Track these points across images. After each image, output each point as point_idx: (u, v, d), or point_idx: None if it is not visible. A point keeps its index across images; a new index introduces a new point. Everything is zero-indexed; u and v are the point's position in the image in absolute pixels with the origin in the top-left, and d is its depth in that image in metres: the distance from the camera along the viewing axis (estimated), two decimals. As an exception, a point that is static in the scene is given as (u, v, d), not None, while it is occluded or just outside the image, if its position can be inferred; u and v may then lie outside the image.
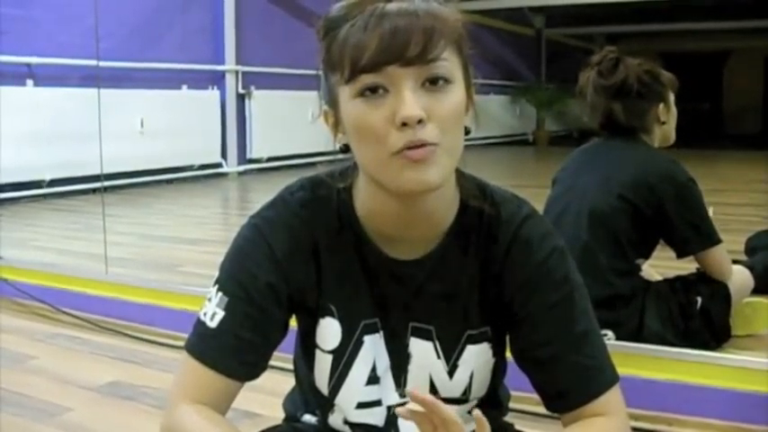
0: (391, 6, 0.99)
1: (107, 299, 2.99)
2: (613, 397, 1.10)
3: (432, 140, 0.98)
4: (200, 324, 1.11)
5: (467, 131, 1.07)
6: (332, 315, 1.14)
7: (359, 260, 1.13)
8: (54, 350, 2.68)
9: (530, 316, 1.11)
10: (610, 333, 2.34)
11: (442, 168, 1.00)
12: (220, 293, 1.10)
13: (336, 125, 1.07)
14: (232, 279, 1.11)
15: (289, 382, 1.34)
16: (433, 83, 0.99)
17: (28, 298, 3.10)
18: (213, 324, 1.09)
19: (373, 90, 0.98)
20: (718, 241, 2.48)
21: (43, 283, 3.16)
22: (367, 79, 0.98)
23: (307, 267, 1.13)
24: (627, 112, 2.47)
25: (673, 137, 2.60)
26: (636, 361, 2.11)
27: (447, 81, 1.00)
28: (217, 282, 1.12)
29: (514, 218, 1.12)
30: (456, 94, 1.01)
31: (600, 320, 2.31)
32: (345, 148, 1.07)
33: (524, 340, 1.12)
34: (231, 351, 1.09)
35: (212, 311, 1.10)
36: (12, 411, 2.14)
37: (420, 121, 0.97)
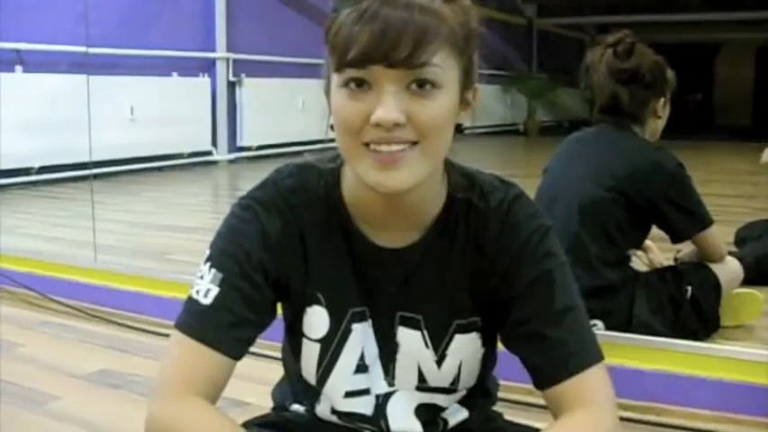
0: None
1: (96, 286, 2.98)
2: (596, 377, 1.06)
3: (408, 139, 0.97)
4: (192, 302, 1.08)
5: (459, 129, 1.06)
6: (319, 303, 1.13)
7: (346, 248, 1.12)
8: (42, 338, 2.67)
9: (514, 296, 1.09)
10: (599, 323, 2.35)
11: (415, 170, 0.99)
12: (213, 270, 1.07)
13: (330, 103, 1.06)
14: (226, 255, 1.08)
15: (277, 370, 1.33)
16: (420, 86, 0.96)
17: (16, 285, 3.09)
18: (207, 301, 1.06)
19: (357, 83, 0.97)
20: (710, 222, 2.49)
21: (32, 271, 3.15)
22: (352, 73, 0.96)
23: (295, 253, 1.11)
24: (632, 99, 2.46)
25: (659, 133, 2.61)
26: (625, 351, 2.11)
27: (435, 86, 0.97)
28: (209, 259, 1.09)
29: (502, 204, 1.11)
30: (443, 99, 0.98)
31: (589, 310, 2.31)
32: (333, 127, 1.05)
33: (510, 320, 1.10)
34: (229, 327, 1.06)
35: (206, 288, 1.07)
36: (1, 399, 2.13)
37: (397, 125, 0.96)
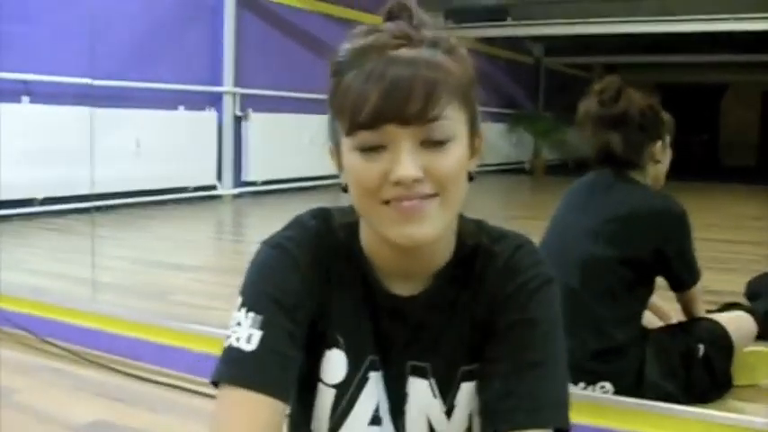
0: (395, 55, 0.96)
1: (93, 330, 2.92)
2: None
3: (427, 193, 0.98)
4: (233, 352, 1.02)
5: (470, 177, 1.05)
6: (339, 346, 1.11)
7: (364, 294, 1.11)
8: (37, 384, 2.60)
9: (494, 334, 1.06)
10: (608, 385, 2.28)
11: (436, 221, 1.00)
12: (252, 313, 1.03)
13: (339, 164, 1.06)
14: (262, 295, 1.05)
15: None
16: (435, 141, 0.97)
17: (13, 326, 3.03)
18: (251, 347, 1.01)
19: (372, 147, 0.97)
20: (699, 275, 2.46)
21: (28, 312, 3.09)
22: (365, 136, 0.97)
23: (322, 291, 1.09)
24: (625, 144, 2.40)
25: (663, 179, 2.54)
26: (637, 417, 2.05)
27: (447, 140, 0.98)
28: (243, 305, 1.05)
29: (507, 249, 1.10)
30: (457, 150, 1.00)
31: (597, 373, 2.29)
32: (346, 188, 1.05)
33: (483, 357, 1.07)
34: (280, 370, 1.01)
35: (247, 334, 1.02)
36: (-11, 451, 2.07)
37: (416, 180, 0.97)
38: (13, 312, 3.08)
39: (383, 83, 0.94)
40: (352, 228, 1.13)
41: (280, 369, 1.02)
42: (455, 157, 0.99)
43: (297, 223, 1.13)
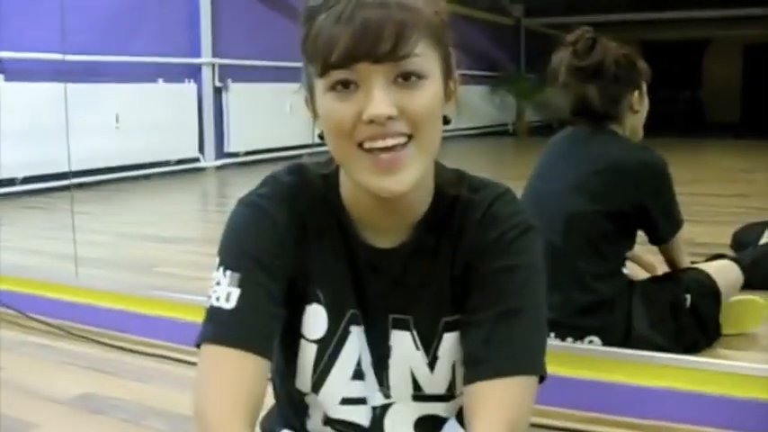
0: None
1: (78, 304, 2.89)
2: (520, 387, 1.01)
3: (402, 131, 0.97)
4: (214, 311, 1.03)
5: (446, 121, 1.05)
6: (318, 302, 1.10)
7: (344, 248, 1.11)
8: (22, 360, 2.58)
9: (475, 283, 1.06)
10: (596, 339, 2.27)
11: (413, 169, 0.99)
12: (229, 272, 1.04)
13: (315, 112, 1.05)
14: (240, 254, 1.05)
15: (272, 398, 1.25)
16: (406, 78, 0.97)
17: (-4, 304, 2.99)
18: (230, 305, 1.02)
19: (345, 85, 0.97)
20: (681, 224, 2.43)
21: (12, 288, 3.05)
22: (338, 75, 0.97)
23: (300, 247, 1.09)
24: (602, 97, 2.36)
25: (641, 131, 2.50)
26: (626, 368, 2.04)
27: (420, 77, 0.98)
28: (221, 264, 1.05)
29: (486, 198, 1.09)
30: (430, 88, 0.99)
31: (586, 327, 2.28)
32: (323, 135, 1.04)
33: (464, 307, 1.07)
34: (260, 326, 1.03)
35: (225, 292, 1.03)
36: (-24, 428, 2.05)
37: (390, 118, 0.96)
38: (-3, 290, 3.05)
39: (353, 24, 0.94)
40: (330, 180, 1.11)
41: (260, 325, 1.03)
42: (429, 95, 0.98)
43: (271, 179, 1.11)
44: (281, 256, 1.06)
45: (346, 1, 0.95)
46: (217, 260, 1.07)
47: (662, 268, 2.64)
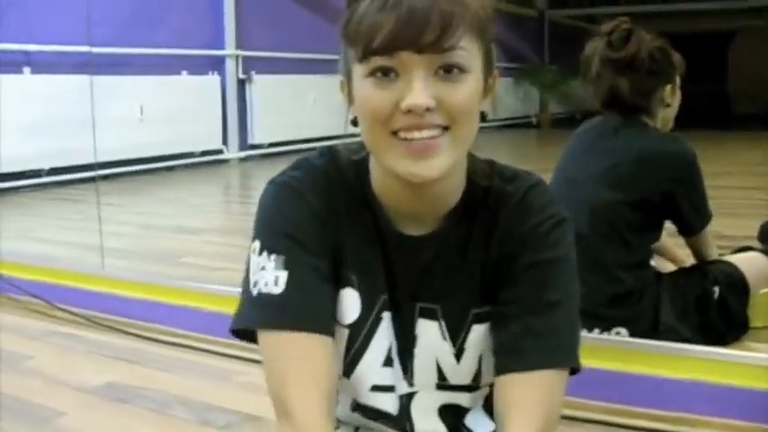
0: None
1: (104, 294, 2.91)
2: (553, 381, 1.01)
3: (439, 124, 0.96)
4: (263, 297, 1.01)
5: (483, 116, 1.04)
6: (352, 286, 1.09)
7: (376, 234, 1.09)
8: (50, 349, 2.60)
9: (509, 276, 1.06)
10: (623, 330, 2.26)
11: (446, 158, 0.98)
12: (273, 255, 1.02)
13: (350, 97, 1.03)
14: (279, 235, 1.04)
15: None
16: (447, 71, 0.95)
17: (23, 294, 3.02)
18: (280, 288, 1.01)
19: (385, 72, 0.96)
20: (710, 217, 2.40)
21: (39, 279, 3.08)
22: (379, 61, 0.95)
23: (335, 229, 1.07)
24: (633, 89, 2.33)
25: (672, 122, 2.48)
26: (653, 359, 2.02)
27: (462, 70, 0.96)
28: (263, 248, 1.03)
29: (519, 189, 1.08)
30: (470, 83, 0.97)
31: (612, 318, 2.26)
32: (356, 121, 1.03)
33: (499, 300, 1.06)
34: (316, 306, 1.02)
35: (273, 277, 1.01)
36: (4, 417, 2.06)
37: (428, 109, 0.95)
38: (24, 280, 3.07)
39: (399, 11, 0.92)
40: (361, 166, 1.11)
41: (315, 305, 1.02)
42: (468, 90, 0.97)
43: (304, 162, 1.10)
44: (320, 235, 1.05)
45: None
46: (255, 244, 1.05)
47: (690, 261, 2.62)
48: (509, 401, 1.01)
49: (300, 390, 0.98)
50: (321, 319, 1.02)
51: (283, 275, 1.01)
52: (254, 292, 1.02)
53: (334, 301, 1.06)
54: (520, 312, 1.03)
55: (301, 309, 1.01)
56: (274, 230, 1.04)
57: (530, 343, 1.02)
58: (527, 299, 1.04)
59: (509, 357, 1.03)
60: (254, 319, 1.03)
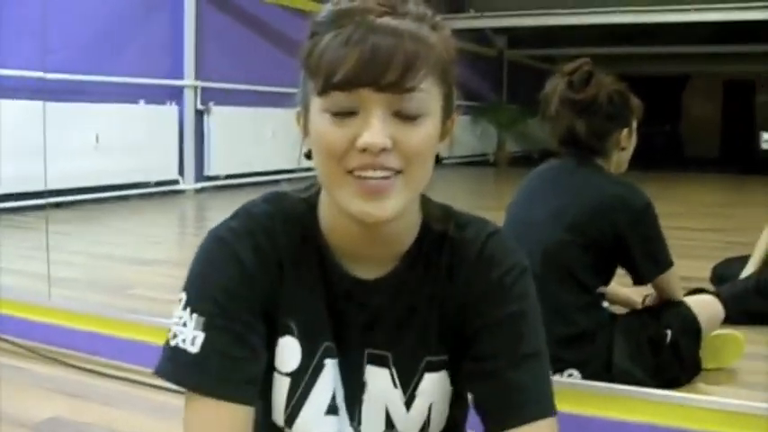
0: (378, 23, 0.92)
1: (50, 325, 2.83)
2: (548, 428, 1.01)
3: (393, 167, 0.94)
4: (178, 352, 1.00)
5: (437, 159, 1.02)
6: (291, 334, 1.07)
7: (321, 278, 1.07)
8: (-10, 381, 2.52)
9: (480, 329, 1.04)
10: (576, 372, 2.25)
11: (398, 200, 0.96)
12: (195, 315, 1.01)
13: (305, 129, 1.02)
14: (204, 297, 1.02)
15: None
16: (406, 112, 0.94)
17: (-35, 323, 2.93)
18: (195, 349, 0.99)
19: (343, 110, 0.94)
20: (670, 265, 2.39)
21: (-19, 309, 2.99)
22: (338, 97, 0.94)
23: (271, 280, 1.05)
24: (589, 132, 2.35)
25: (626, 165, 2.50)
26: (606, 402, 2.01)
27: (421, 114, 0.95)
28: (187, 304, 1.02)
29: (479, 238, 1.07)
30: (428, 126, 0.96)
31: (564, 360, 2.25)
32: (309, 154, 1.02)
33: (471, 354, 1.05)
34: (227, 372, 0.99)
35: (191, 336, 1.00)
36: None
37: (384, 150, 0.93)
38: (-34, 310, 2.99)
39: (363, 48, 0.91)
40: (311, 205, 1.08)
41: (227, 371, 0.99)
42: (425, 133, 0.96)
43: (242, 212, 1.08)
44: (248, 294, 1.02)
45: (358, 22, 0.93)
46: (183, 296, 1.03)
47: (641, 297, 2.63)
48: None
49: None
50: (231, 387, 0.99)
51: (200, 337, 1.00)
52: (173, 343, 1.01)
53: (256, 364, 1.03)
54: (499, 368, 1.02)
55: (212, 374, 0.99)
56: (200, 291, 1.03)
57: (516, 398, 1.01)
58: (504, 354, 1.02)
59: (499, 415, 1.01)
60: (169, 372, 1.01)
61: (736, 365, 2.66)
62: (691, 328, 2.46)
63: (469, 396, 1.06)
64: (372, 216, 0.96)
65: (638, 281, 2.42)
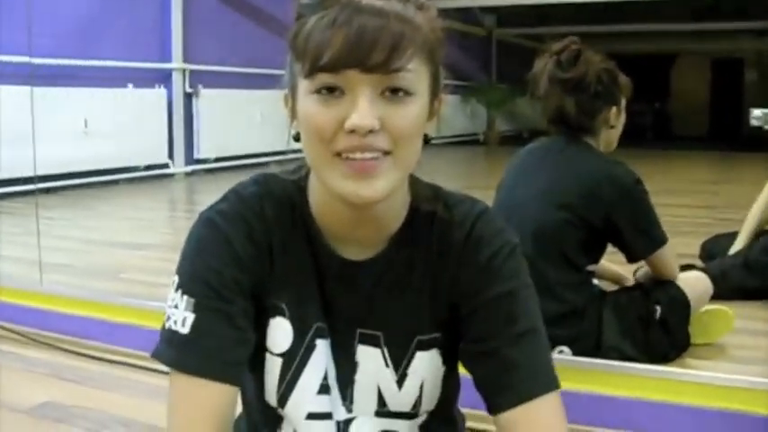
0: (364, 3, 0.93)
1: (42, 310, 2.84)
2: (550, 404, 1.02)
3: (381, 148, 0.95)
4: (170, 333, 1.03)
5: (426, 140, 1.03)
6: (283, 315, 1.08)
7: (311, 260, 1.08)
8: (-16, 367, 2.53)
9: (475, 310, 1.05)
10: (566, 349, 2.26)
11: (387, 180, 0.97)
12: (186, 296, 1.03)
13: (293, 112, 1.02)
14: (195, 279, 1.03)
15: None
16: (394, 92, 0.95)
17: (-43, 310, 2.93)
18: (185, 329, 1.01)
19: (330, 90, 0.94)
20: (664, 242, 2.40)
21: (-26, 295, 2.99)
22: (325, 78, 0.94)
23: (261, 262, 1.06)
24: (578, 110, 2.36)
25: (615, 143, 2.51)
26: (596, 377, 2.04)
27: (408, 93, 0.96)
28: (179, 286, 1.04)
29: (468, 218, 1.08)
30: (416, 106, 0.97)
31: (556, 337, 2.26)
32: (298, 137, 1.02)
33: (468, 335, 1.06)
34: (214, 352, 1.01)
35: (182, 317, 1.02)
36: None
37: (371, 131, 0.93)
38: (-42, 296, 2.99)
39: (349, 29, 0.91)
40: (300, 187, 1.09)
41: (213, 352, 1.01)
42: (413, 113, 0.96)
43: (232, 194, 1.09)
44: (238, 276, 1.04)
45: (344, 4, 0.93)
46: (175, 279, 1.05)
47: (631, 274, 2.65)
48: None
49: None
50: (217, 367, 1.01)
51: (191, 318, 1.02)
52: (167, 325, 1.03)
53: (244, 346, 1.04)
54: (496, 347, 1.03)
55: (199, 355, 1.01)
56: (191, 272, 1.04)
57: (516, 376, 1.02)
58: (500, 333, 1.03)
59: (500, 395, 1.03)
60: (161, 353, 1.03)
61: (724, 340, 2.68)
62: (680, 304, 2.48)
63: (473, 378, 1.07)
64: (362, 196, 0.96)
65: (632, 258, 2.44)
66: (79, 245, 4.66)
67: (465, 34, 14.04)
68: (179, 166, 8.21)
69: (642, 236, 2.36)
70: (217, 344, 1.01)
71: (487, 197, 1.28)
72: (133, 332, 2.60)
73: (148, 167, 7.86)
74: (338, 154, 0.95)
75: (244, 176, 1.12)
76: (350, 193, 0.96)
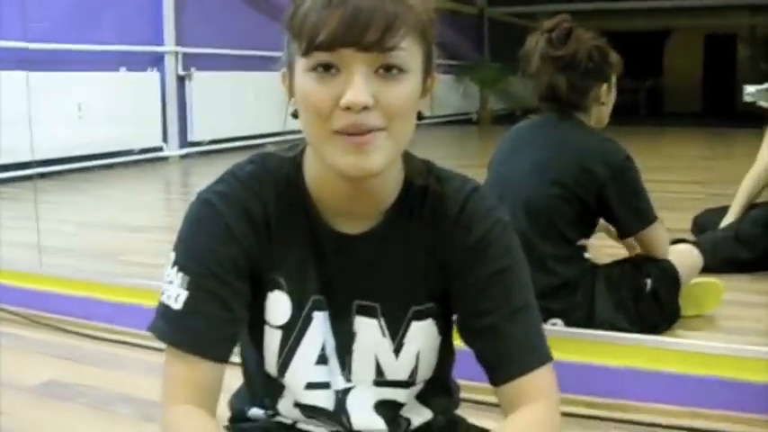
0: None
1: (42, 292, 2.88)
2: (545, 376, 1.08)
3: (376, 125, 0.98)
4: (164, 308, 1.07)
5: (419, 116, 1.06)
6: (281, 288, 1.11)
7: (308, 234, 1.11)
8: (-13, 348, 2.56)
9: (470, 286, 1.09)
10: (559, 322, 2.30)
11: (384, 154, 1.00)
12: (181, 273, 1.07)
13: (291, 89, 1.05)
14: (191, 257, 1.07)
15: (238, 377, 1.26)
16: (387, 70, 0.98)
17: (-41, 293, 2.97)
18: (178, 305, 1.06)
19: (326, 68, 0.97)
20: (654, 219, 2.43)
21: (-26, 278, 3.03)
22: (321, 57, 0.97)
23: (259, 240, 1.09)
24: (570, 88, 2.39)
25: (606, 119, 2.54)
26: (588, 347, 2.08)
27: (401, 70, 0.99)
28: (175, 263, 1.08)
29: (459, 193, 1.11)
30: (409, 83, 1.00)
31: (549, 310, 2.31)
32: (296, 114, 1.05)
33: (465, 312, 1.11)
34: (204, 329, 1.05)
35: (176, 293, 1.06)
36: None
37: (366, 108, 0.96)
38: (-41, 280, 3.02)
39: (344, 9, 0.94)
40: (296, 163, 1.12)
41: (203, 329, 1.05)
42: (407, 90, 0.99)
43: (228, 175, 1.12)
44: (234, 256, 1.07)
45: None
46: (172, 255, 1.09)
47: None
48: (523, 401, 1.06)
49: (171, 397, 1.06)
50: (206, 344, 1.05)
51: (184, 295, 1.06)
52: (162, 299, 1.08)
53: (234, 324, 1.08)
54: (494, 323, 1.08)
55: (189, 332, 1.06)
56: (187, 250, 1.08)
57: (514, 350, 1.07)
58: (497, 309, 1.08)
59: (501, 368, 1.08)
60: (155, 327, 1.08)
61: (714, 312, 2.73)
62: (670, 276, 2.52)
63: (474, 352, 1.12)
64: (360, 169, 0.99)
65: (623, 234, 2.48)
66: (76, 228, 4.70)
67: (456, 13, 14.01)
68: (173, 149, 8.21)
69: (632, 213, 2.39)
70: (206, 322, 1.05)
71: (481, 176, 1.32)
72: (132, 311, 2.63)
73: (143, 151, 7.87)
74: (336, 132, 0.98)
75: (238, 159, 1.14)
76: (350, 166, 0.99)
